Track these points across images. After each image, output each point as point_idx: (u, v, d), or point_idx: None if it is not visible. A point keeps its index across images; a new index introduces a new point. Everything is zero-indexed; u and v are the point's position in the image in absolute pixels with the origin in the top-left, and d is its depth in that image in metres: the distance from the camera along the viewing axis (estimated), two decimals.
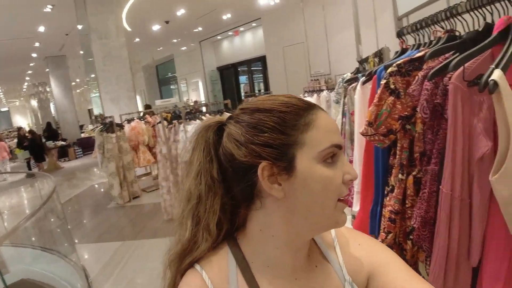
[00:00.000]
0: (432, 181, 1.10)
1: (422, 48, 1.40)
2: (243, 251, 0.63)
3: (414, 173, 1.23)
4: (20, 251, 3.86)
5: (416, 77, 1.14)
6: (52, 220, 3.75)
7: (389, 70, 1.22)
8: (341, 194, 0.57)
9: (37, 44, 10.12)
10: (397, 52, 1.77)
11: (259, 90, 11.80)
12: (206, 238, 0.61)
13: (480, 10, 1.12)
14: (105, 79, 7.24)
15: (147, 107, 7.78)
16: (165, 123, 4.47)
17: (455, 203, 1.00)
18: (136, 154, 5.81)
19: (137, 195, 5.87)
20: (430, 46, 1.32)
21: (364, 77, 1.78)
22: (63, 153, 12.14)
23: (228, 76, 13.16)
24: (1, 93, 22.22)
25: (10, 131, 19.81)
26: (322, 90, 7.21)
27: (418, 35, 1.57)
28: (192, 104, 10.11)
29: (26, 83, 18.91)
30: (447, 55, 1.13)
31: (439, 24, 1.38)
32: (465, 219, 1.02)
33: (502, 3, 1.02)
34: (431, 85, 1.08)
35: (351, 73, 3.72)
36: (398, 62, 1.22)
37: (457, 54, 1.04)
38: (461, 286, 1.08)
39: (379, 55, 2.43)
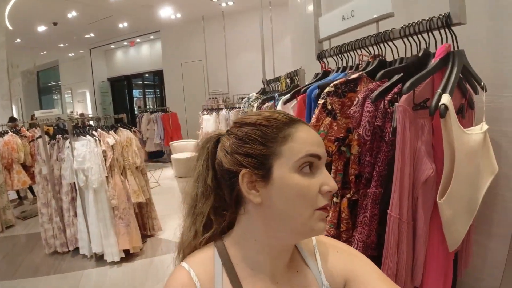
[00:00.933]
0: (374, 205, 1.08)
1: (349, 72, 1.41)
2: (229, 253, 0.67)
3: (348, 195, 1.20)
4: None
5: (357, 99, 1.11)
6: None
7: (327, 90, 1.18)
8: (318, 204, 0.60)
9: None
10: (317, 74, 1.78)
11: (157, 105, 11.27)
12: (193, 235, 0.69)
13: (412, 37, 1.16)
14: None
15: (12, 119, 6.59)
16: (46, 138, 3.83)
17: (403, 227, 0.98)
18: (9, 174, 4.88)
19: (11, 224, 4.88)
20: (360, 70, 1.33)
21: (285, 97, 1.74)
22: None
23: (120, 88, 12.21)
24: None
25: None
26: (221, 109, 7.25)
27: (342, 58, 1.60)
28: (77, 117, 9.10)
29: None
30: (385, 79, 1.14)
31: (366, 49, 1.41)
32: (410, 241, 1.01)
33: (440, 31, 1.05)
34: (372, 107, 1.07)
35: (257, 93, 3.76)
36: (335, 82, 1.19)
37: (401, 76, 1.04)
38: None
39: (292, 76, 2.46)
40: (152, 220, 4.10)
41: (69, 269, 3.57)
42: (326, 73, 1.67)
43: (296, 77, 2.27)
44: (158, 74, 10.78)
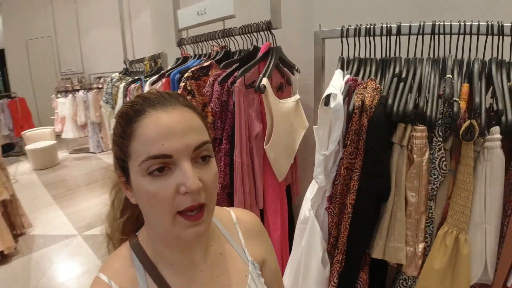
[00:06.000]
0: (226, 156, 1.59)
1: (204, 59, 1.88)
2: (146, 252, 0.66)
3: None
4: None
5: (208, 81, 1.59)
6: None
7: (186, 75, 1.63)
8: (178, 207, 0.56)
9: None
10: (178, 59, 2.20)
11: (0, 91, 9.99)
12: (112, 221, 0.72)
13: (248, 35, 1.68)
14: None
15: None
16: None
17: (244, 168, 1.52)
18: None
19: None
20: (212, 58, 1.81)
21: (152, 78, 2.13)
22: None
23: None
24: None
25: None
26: (77, 90, 7.02)
27: (198, 46, 2.06)
28: None
29: None
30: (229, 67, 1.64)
31: (215, 40, 1.89)
32: (251, 178, 1.56)
33: (265, 32, 1.59)
34: (220, 87, 1.56)
35: (120, 73, 3.94)
36: (192, 69, 1.65)
37: (238, 65, 1.55)
38: None
39: (155, 59, 2.81)
40: (20, 217, 3.99)
41: None
42: (185, 58, 2.11)
43: (159, 60, 2.65)
44: None
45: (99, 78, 7.60)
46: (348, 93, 1.11)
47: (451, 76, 1.01)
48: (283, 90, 1.72)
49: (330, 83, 1.15)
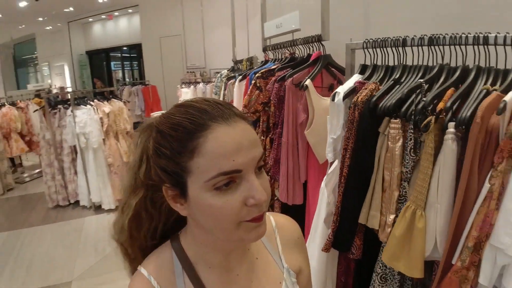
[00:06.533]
0: (279, 137, 2.07)
1: (276, 62, 2.38)
2: (187, 253, 0.69)
3: (270, 135, 2.19)
4: None
5: (271, 80, 2.08)
6: None
7: (257, 75, 2.16)
8: (243, 218, 0.57)
9: None
10: (262, 61, 2.74)
11: (136, 79, 11.99)
12: (120, 228, 0.71)
13: (306, 44, 2.13)
14: None
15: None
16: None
17: (289, 147, 1.98)
18: (8, 142, 5.72)
19: (11, 187, 5.82)
20: (282, 62, 2.30)
21: (240, 77, 2.70)
22: None
23: (98, 61, 12.96)
24: None
25: None
26: (198, 83, 8.08)
27: (275, 52, 2.57)
28: (56, 90, 9.77)
29: None
30: (288, 69, 2.11)
31: (287, 48, 2.38)
32: (295, 156, 2.01)
33: (317, 43, 2.03)
34: (278, 85, 2.04)
35: (228, 70, 4.66)
36: (262, 71, 2.17)
37: (292, 69, 2.02)
38: (297, 195, 2.08)
39: (250, 61, 3.41)
40: None
41: (72, 217, 4.54)
42: (266, 62, 2.64)
43: (252, 61, 3.23)
44: (136, 48, 11.40)
45: (217, 72, 8.57)
46: (353, 92, 1.50)
47: (422, 80, 1.28)
48: (333, 90, 2.12)
49: (343, 85, 1.54)
